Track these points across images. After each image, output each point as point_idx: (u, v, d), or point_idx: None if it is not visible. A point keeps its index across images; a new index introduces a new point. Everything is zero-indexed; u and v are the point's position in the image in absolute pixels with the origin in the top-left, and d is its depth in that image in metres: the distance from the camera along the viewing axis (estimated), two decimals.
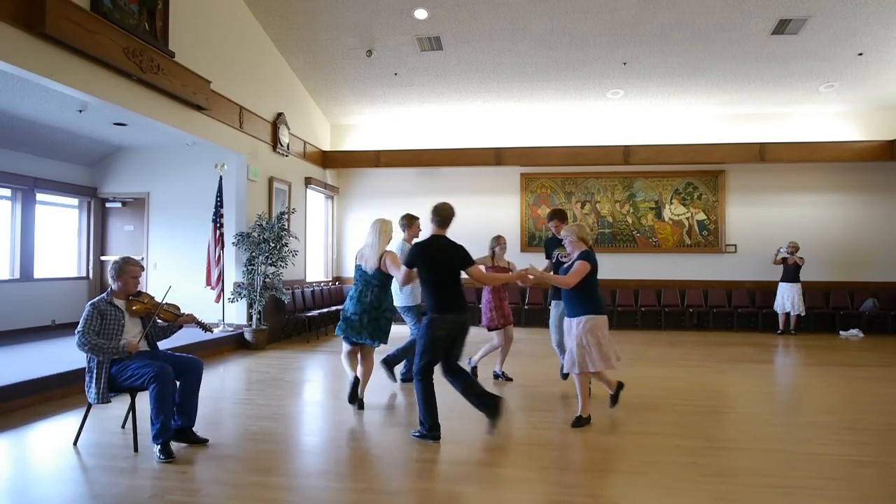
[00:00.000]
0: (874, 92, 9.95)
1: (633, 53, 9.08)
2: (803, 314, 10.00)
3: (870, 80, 9.54)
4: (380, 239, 4.79)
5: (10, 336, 7.87)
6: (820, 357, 8.02)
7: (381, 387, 5.71)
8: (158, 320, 4.14)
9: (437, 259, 4.16)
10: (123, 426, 4.27)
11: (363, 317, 4.77)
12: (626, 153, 10.76)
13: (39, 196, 8.98)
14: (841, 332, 10.08)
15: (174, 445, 3.78)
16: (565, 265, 4.70)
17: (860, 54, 8.83)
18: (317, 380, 6.59)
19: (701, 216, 11.13)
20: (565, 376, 5.82)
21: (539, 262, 6.16)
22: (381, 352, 6.32)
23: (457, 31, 8.66)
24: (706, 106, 10.72)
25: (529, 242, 11.44)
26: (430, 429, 4.09)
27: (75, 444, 3.94)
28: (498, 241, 6.10)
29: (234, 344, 8.16)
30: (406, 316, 5.87)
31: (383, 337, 4.87)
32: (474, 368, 6.09)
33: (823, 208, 10.81)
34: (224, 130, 7.96)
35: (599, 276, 4.64)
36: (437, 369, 4.19)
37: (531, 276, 4.53)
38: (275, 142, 9.34)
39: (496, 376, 6.18)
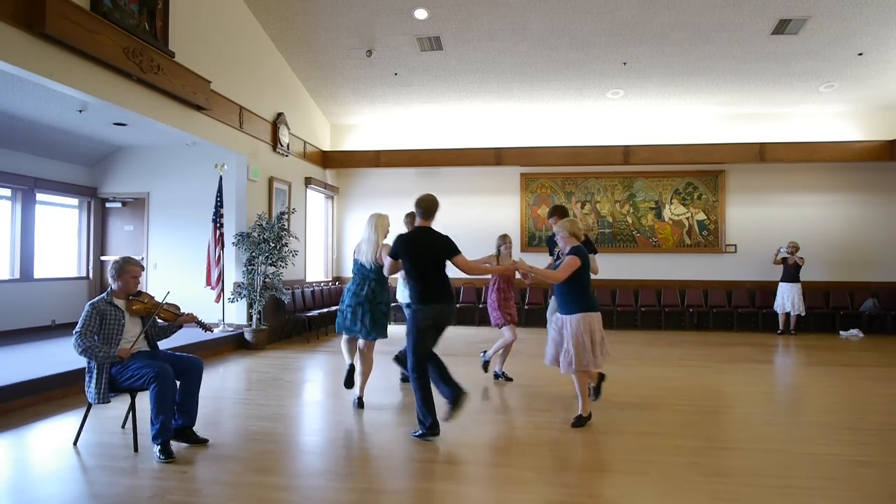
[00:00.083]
0: (874, 92, 9.95)
1: (633, 53, 9.08)
2: (803, 314, 10.00)
3: (870, 80, 9.54)
4: (376, 233, 4.86)
5: (10, 336, 7.87)
6: (820, 357, 8.02)
7: (381, 387, 5.71)
8: (158, 320, 4.14)
9: (422, 250, 4.18)
10: (123, 426, 4.27)
11: (357, 309, 4.86)
12: (626, 153, 10.76)
13: (39, 196, 8.98)
14: (841, 332, 10.08)
15: (174, 445, 3.78)
16: (558, 261, 4.69)
17: (860, 54, 8.83)
18: (317, 380, 6.59)
19: (701, 216, 11.13)
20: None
21: (539, 261, 6.17)
22: (388, 352, 6.35)
23: (457, 31, 8.66)
24: (706, 106, 10.72)
25: (529, 242, 11.45)
26: (429, 426, 4.10)
27: (75, 444, 3.94)
28: (504, 239, 6.12)
29: (234, 344, 8.16)
30: (408, 311, 5.88)
31: (380, 331, 4.91)
32: (486, 363, 6.13)
33: (823, 208, 10.81)
34: (224, 130, 7.96)
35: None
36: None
37: (520, 270, 4.55)
38: (275, 142, 9.34)
39: (496, 376, 6.18)
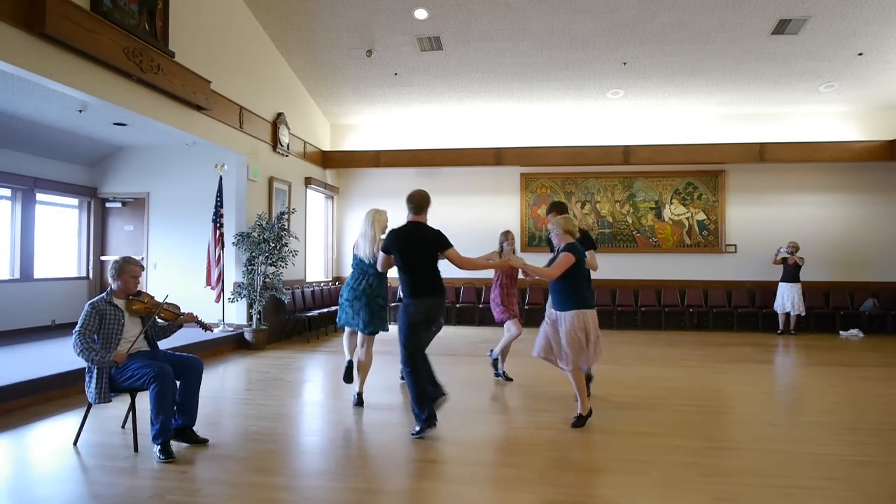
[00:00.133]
0: (874, 92, 9.95)
1: (633, 53, 9.08)
2: (803, 314, 10.00)
3: (870, 80, 9.54)
4: (373, 229, 4.93)
5: (10, 336, 7.87)
6: (820, 357, 8.01)
7: (381, 387, 5.71)
8: (158, 320, 4.14)
9: (413, 244, 4.21)
10: (123, 426, 4.27)
11: (355, 303, 4.93)
12: (626, 153, 10.76)
13: (39, 196, 8.98)
14: (841, 332, 10.08)
15: (174, 445, 3.78)
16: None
17: (860, 54, 8.83)
18: (317, 380, 6.59)
19: (701, 216, 11.13)
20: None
21: (540, 261, 6.16)
22: (388, 352, 6.35)
23: (457, 31, 8.66)
24: (706, 106, 10.72)
25: (530, 242, 11.45)
26: (426, 419, 4.11)
27: (75, 444, 3.94)
28: (506, 236, 6.12)
29: (234, 344, 8.16)
30: None
31: (378, 324, 4.94)
32: (496, 360, 6.11)
33: (823, 208, 10.81)
34: (224, 130, 7.96)
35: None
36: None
37: (514, 266, 4.54)
38: (275, 142, 9.34)
39: (497, 375, 6.19)
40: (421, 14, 8.24)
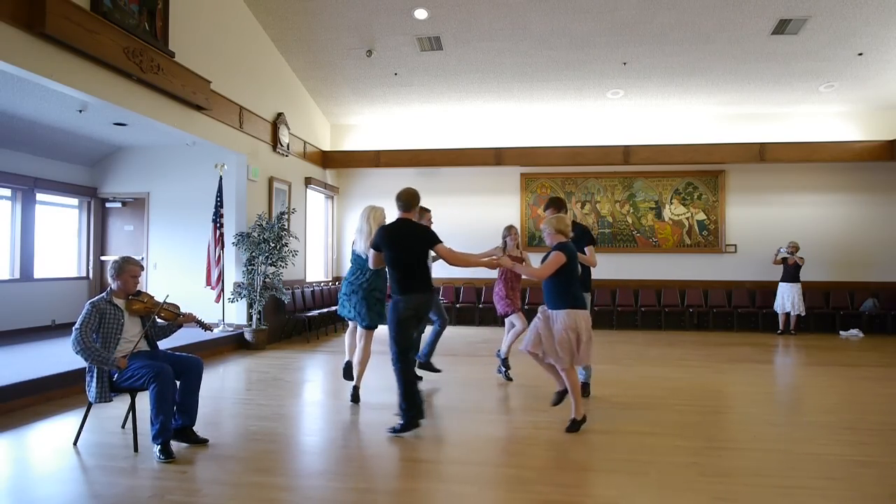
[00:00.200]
0: (874, 92, 9.95)
1: (633, 53, 9.08)
2: (803, 314, 10.00)
3: (870, 80, 9.54)
4: (368, 224, 4.99)
5: (10, 336, 7.87)
6: (820, 357, 8.02)
7: (381, 386, 5.70)
8: (158, 320, 4.14)
9: (402, 241, 4.23)
10: (123, 426, 4.27)
11: (352, 297, 5.03)
12: (626, 153, 10.76)
13: (39, 196, 8.98)
14: (841, 332, 10.08)
15: (174, 445, 3.78)
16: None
17: (860, 54, 8.83)
18: (317, 380, 6.60)
19: (701, 216, 11.13)
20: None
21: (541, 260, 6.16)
22: (385, 351, 6.34)
23: (457, 31, 8.66)
24: (706, 106, 10.72)
25: (530, 242, 11.44)
26: (411, 416, 4.12)
27: (75, 444, 3.94)
28: (510, 230, 6.11)
29: (234, 344, 8.16)
30: None
31: (375, 318, 5.00)
32: (505, 359, 6.10)
33: (823, 208, 10.81)
34: (224, 130, 7.96)
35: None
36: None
37: (504, 265, 4.52)
38: (275, 142, 9.34)
39: (499, 372, 6.20)
40: (421, 14, 8.24)
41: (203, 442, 3.96)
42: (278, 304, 8.92)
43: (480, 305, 11.14)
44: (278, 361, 7.35)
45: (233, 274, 8.51)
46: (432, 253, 4.40)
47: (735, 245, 10.99)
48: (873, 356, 8.00)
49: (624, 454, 3.85)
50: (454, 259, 4.44)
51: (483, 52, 9.15)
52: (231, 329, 8.37)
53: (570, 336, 4.19)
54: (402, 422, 4.16)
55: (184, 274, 9.00)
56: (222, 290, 8.30)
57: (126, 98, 6.13)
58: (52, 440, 4.19)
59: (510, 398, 5.52)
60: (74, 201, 9.75)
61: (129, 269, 3.99)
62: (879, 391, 5.86)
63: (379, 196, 11.75)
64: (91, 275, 9.77)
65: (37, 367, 5.59)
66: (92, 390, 3.82)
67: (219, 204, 8.36)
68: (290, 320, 9.25)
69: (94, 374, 3.80)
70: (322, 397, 5.68)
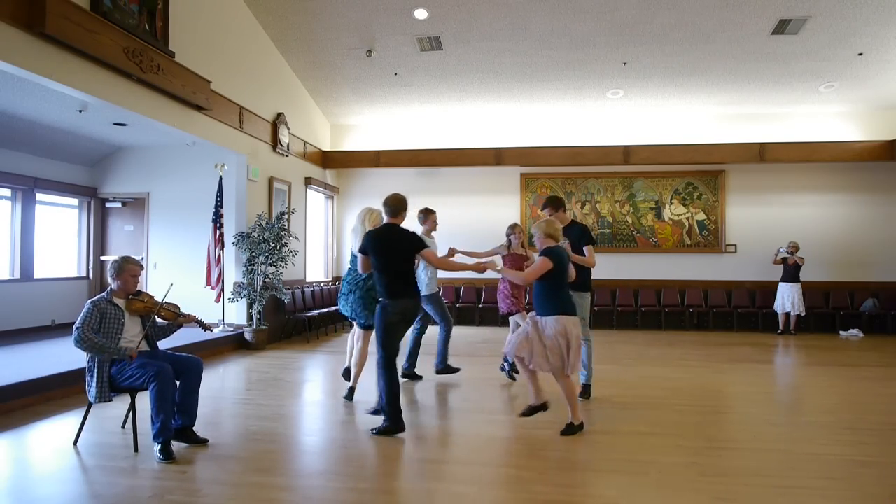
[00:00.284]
0: (874, 92, 9.95)
1: (633, 53, 9.08)
2: (803, 314, 10.00)
3: (870, 80, 9.54)
4: (363, 226, 5.03)
5: (10, 336, 7.87)
6: (820, 357, 8.02)
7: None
8: (158, 319, 4.15)
9: (388, 246, 4.26)
10: (123, 426, 4.27)
11: (350, 296, 5.12)
12: (626, 153, 10.76)
13: (39, 196, 8.98)
14: (841, 332, 10.08)
15: (174, 445, 3.78)
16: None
17: (860, 54, 8.83)
18: (317, 380, 6.60)
19: (701, 216, 11.13)
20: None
21: None
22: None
23: (457, 31, 8.66)
24: (706, 106, 10.72)
25: (529, 242, 11.32)
26: (394, 421, 4.14)
27: (75, 444, 3.94)
28: (514, 228, 6.10)
29: (234, 344, 8.16)
30: (426, 306, 6.08)
31: (371, 318, 5.01)
32: (512, 363, 6.09)
33: (823, 208, 10.81)
34: (224, 130, 7.96)
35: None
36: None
37: (490, 270, 4.49)
38: (275, 142, 9.34)
39: (502, 369, 6.20)
40: (421, 14, 8.24)
41: (203, 442, 3.96)
42: (278, 304, 8.92)
43: (481, 305, 11.14)
44: (278, 361, 7.35)
45: (233, 274, 8.51)
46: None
47: (735, 245, 10.99)
48: (873, 356, 8.00)
49: (624, 454, 3.85)
50: (441, 264, 4.60)
51: (483, 52, 9.15)
52: (231, 329, 8.37)
53: (559, 342, 4.13)
54: (385, 423, 4.19)
55: (184, 274, 8.97)
56: (222, 290, 8.30)
57: (126, 98, 6.13)
58: (52, 440, 4.19)
59: (510, 398, 5.51)
60: (74, 201, 9.75)
61: (129, 268, 4.00)
62: (879, 391, 5.86)
63: (379, 196, 11.63)
64: (91, 275, 9.77)
65: (37, 367, 5.59)
66: (92, 390, 3.82)
67: (219, 204, 8.36)
68: (290, 320, 9.25)
69: (94, 375, 3.80)
70: (322, 397, 5.68)
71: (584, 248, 5.08)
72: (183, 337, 6.31)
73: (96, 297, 3.96)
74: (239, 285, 8.24)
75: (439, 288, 6.27)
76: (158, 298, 4.14)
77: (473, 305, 11.21)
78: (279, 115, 9.45)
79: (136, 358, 3.86)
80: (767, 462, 3.69)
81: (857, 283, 10.62)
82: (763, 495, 3.19)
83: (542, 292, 4.26)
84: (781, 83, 9.78)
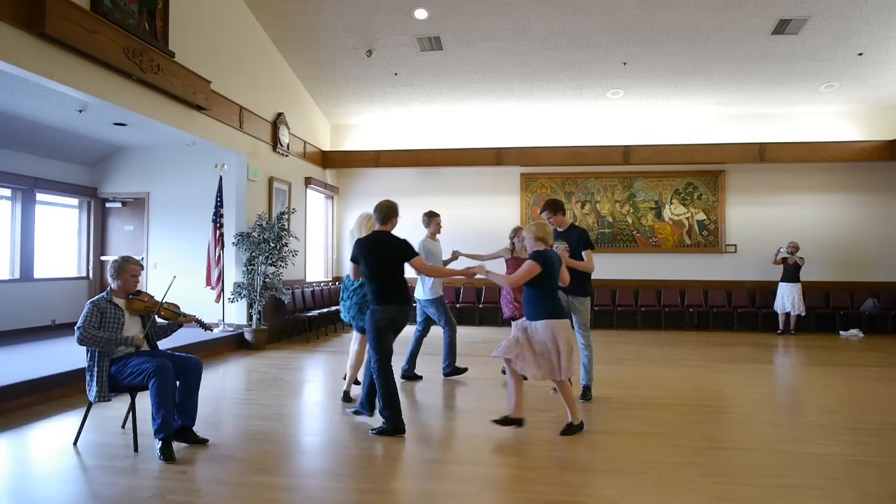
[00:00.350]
0: (874, 92, 9.95)
1: (633, 53, 9.08)
2: (803, 314, 10.00)
3: (870, 80, 9.54)
4: (360, 230, 5.01)
5: (10, 336, 7.87)
6: (820, 357, 8.01)
7: None
8: (158, 319, 4.15)
9: (378, 254, 4.28)
10: (123, 426, 4.27)
11: (347, 301, 5.18)
12: (626, 153, 10.76)
13: (39, 196, 8.99)
14: (841, 332, 10.08)
15: (174, 445, 3.78)
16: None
17: (860, 54, 8.83)
18: (317, 380, 6.59)
19: (701, 216, 11.13)
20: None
21: None
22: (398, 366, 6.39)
23: (457, 31, 8.66)
24: (706, 106, 10.72)
25: None
26: (394, 422, 4.16)
27: (75, 444, 3.94)
28: (517, 232, 6.10)
29: (234, 344, 8.16)
30: (429, 309, 6.12)
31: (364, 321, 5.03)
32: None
33: (823, 208, 10.81)
34: (224, 130, 7.96)
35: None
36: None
37: (479, 274, 4.45)
38: (275, 142, 9.34)
39: (504, 371, 6.20)
40: (421, 14, 8.24)
41: (203, 442, 3.97)
42: (278, 304, 8.92)
43: (481, 305, 11.14)
44: (278, 361, 7.35)
45: (233, 274, 8.51)
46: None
47: (735, 245, 10.99)
48: (873, 356, 8.00)
49: (624, 454, 3.85)
50: (430, 272, 4.72)
51: (483, 52, 9.15)
52: (231, 329, 8.37)
53: (549, 347, 4.11)
54: (385, 423, 4.20)
55: (184, 274, 8.91)
56: (222, 290, 8.30)
57: (126, 98, 6.13)
58: (52, 440, 4.19)
59: (510, 398, 5.50)
60: (74, 201, 9.75)
61: (129, 268, 4.00)
62: (879, 391, 5.86)
63: (379, 196, 11.61)
64: (91, 275, 9.78)
65: (37, 367, 5.59)
66: (92, 390, 3.82)
67: (219, 204, 8.36)
68: (290, 320, 9.25)
69: (94, 374, 3.81)
70: (322, 397, 5.68)
71: (583, 253, 5.05)
72: (183, 337, 6.32)
73: (96, 296, 3.96)
74: (239, 285, 8.24)
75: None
76: (159, 298, 4.15)
77: (473, 306, 11.21)
78: (279, 115, 9.45)
79: (136, 356, 3.86)
80: (767, 462, 3.69)
81: (857, 283, 10.62)
82: (763, 495, 3.19)
83: (532, 297, 4.24)
84: (781, 83, 9.78)
